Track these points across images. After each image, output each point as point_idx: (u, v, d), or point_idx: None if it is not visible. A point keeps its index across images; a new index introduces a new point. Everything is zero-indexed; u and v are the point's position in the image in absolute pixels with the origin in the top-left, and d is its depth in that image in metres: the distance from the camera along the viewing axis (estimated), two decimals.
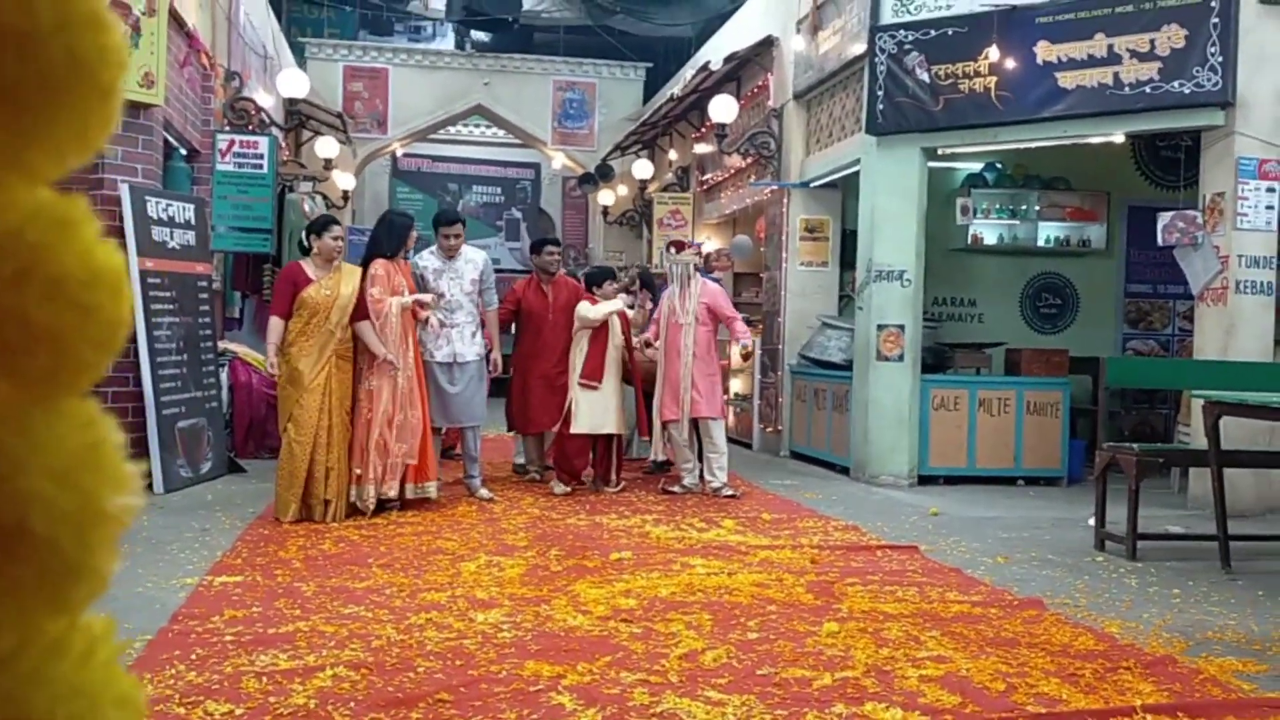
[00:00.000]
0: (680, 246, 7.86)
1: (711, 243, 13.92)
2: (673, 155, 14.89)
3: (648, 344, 7.75)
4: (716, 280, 8.42)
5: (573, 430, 7.30)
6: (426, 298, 6.69)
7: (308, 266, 6.34)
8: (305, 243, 6.44)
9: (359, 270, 6.42)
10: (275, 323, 6.30)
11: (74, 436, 0.66)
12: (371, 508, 6.34)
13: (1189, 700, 3.31)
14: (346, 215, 15.43)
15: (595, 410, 7.30)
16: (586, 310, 7.31)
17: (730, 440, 10.80)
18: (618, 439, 7.62)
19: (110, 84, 0.65)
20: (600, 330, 7.33)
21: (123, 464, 0.68)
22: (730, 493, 7.47)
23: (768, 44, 11.04)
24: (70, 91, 0.64)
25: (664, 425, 7.63)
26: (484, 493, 7.10)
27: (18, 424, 0.65)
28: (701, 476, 7.63)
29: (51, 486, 0.64)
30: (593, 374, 7.26)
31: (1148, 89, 7.42)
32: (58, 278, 0.64)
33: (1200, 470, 7.21)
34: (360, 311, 6.29)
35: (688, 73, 13.71)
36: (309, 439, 6.12)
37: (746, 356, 8.04)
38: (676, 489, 7.57)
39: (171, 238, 7.70)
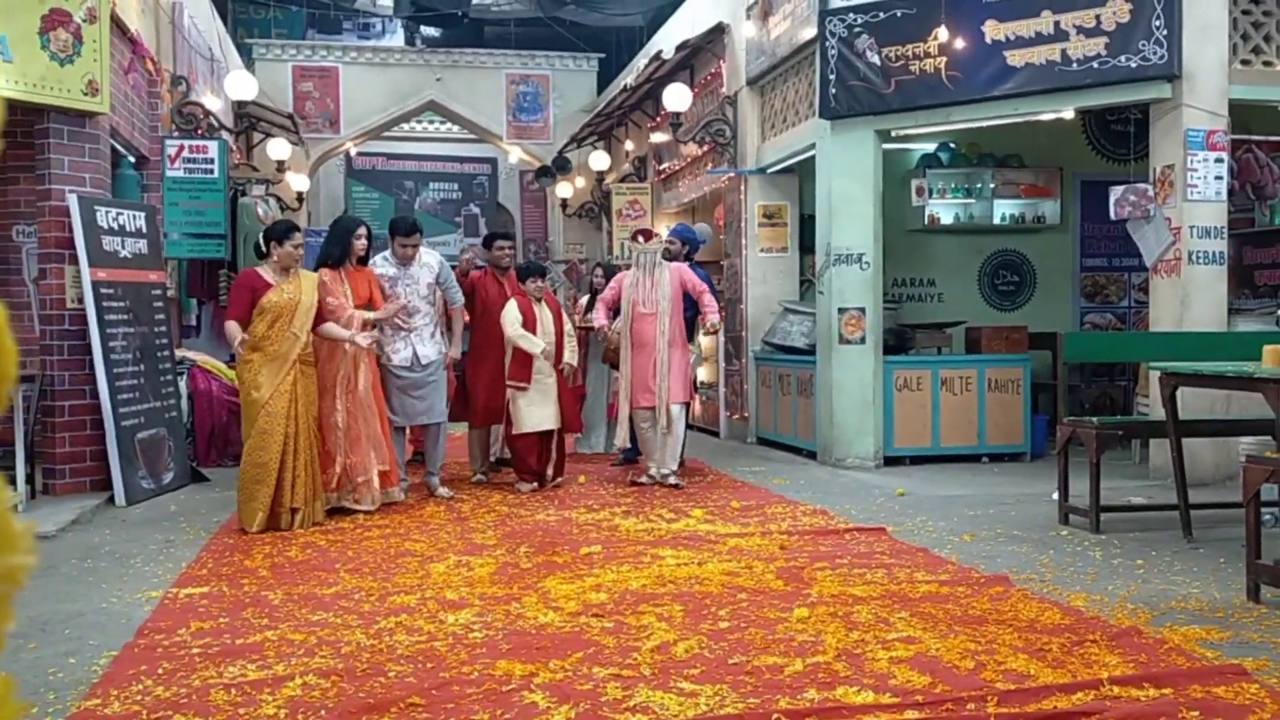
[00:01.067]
0: (648, 235, 7.79)
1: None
2: (629, 145, 14.85)
3: (590, 328, 7.91)
4: (701, 271, 8.31)
5: (515, 431, 7.30)
6: (393, 307, 6.70)
7: (265, 272, 6.21)
8: (263, 248, 6.30)
9: (314, 275, 6.35)
10: (233, 326, 6.16)
11: None
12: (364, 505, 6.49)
13: (1154, 670, 3.36)
14: (302, 217, 15.28)
15: (533, 409, 7.27)
16: (507, 326, 7.24)
17: (697, 428, 10.87)
18: (558, 434, 7.50)
19: None
20: (529, 329, 7.24)
21: (11, 521, 0.65)
22: (676, 482, 7.46)
23: (719, 31, 11.03)
24: None
25: (630, 413, 7.59)
26: (443, 491, 7.09)
27: None
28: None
29: None
30: (518, 375, 7.24)
31: (1095, 64, 7.49)
32: None
33: (1160, 441, 7.32)
34: (320, 317, 6.24)
35: (640, 62, 13.69)
36: (277, 447, 5.99)
37: (713, 332, 7.96)
38: (645, 480, 7.55)
39: (123, 246, 7.58)
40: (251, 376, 6.04)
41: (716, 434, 10.91)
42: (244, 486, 6.04)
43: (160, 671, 3.54)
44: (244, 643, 3.87)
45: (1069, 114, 8.33)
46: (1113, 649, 3.59)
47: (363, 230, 6.76)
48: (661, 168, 13.60)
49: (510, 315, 7.24)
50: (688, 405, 7.72)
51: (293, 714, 3.12)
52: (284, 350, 6.04)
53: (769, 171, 10.26)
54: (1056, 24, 7.62)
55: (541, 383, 7.29)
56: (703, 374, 11.23)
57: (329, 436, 6.38)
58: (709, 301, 7.65)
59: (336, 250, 6.62)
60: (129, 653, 3.77)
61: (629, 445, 8.06)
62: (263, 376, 6.00)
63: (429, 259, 7.16)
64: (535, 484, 7.38)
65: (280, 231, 6.28)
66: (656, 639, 3.78)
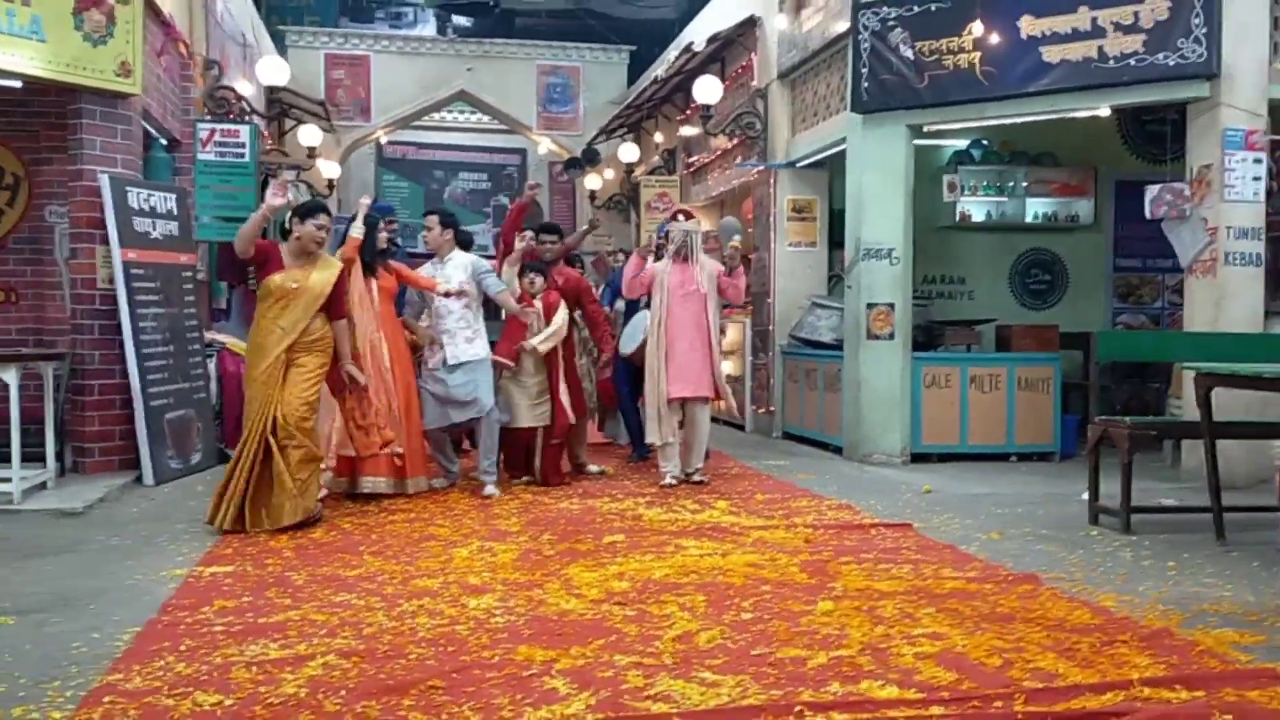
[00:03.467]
0: (688, 215, 7.48)
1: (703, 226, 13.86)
2: (658, 138, 14.81)
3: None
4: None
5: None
6: (452, 287, 6.71)
7: (284, 252, 5.80)
8: (286, 225, 5.92)
9: (338, 265, 5.94)
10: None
11: None
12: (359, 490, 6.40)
13: (1186, 672, 3.30)
14: (333, 204, 15.33)
15: (514, 406, 7.02)
16: (506, 296, 6.87)
17: (723, 422, 10.82)
18: (543, 431, 7.11)
19: None
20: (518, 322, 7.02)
21: None
22: (701, 478, 7.23)
23: (751, 24, 10.96)
24: None
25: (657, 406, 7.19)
26: (490, 490, 6.71)
27: None
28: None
29: None
30: (505, 352, 6.95)
31: (1132, 62, 7.39)
32: None
33: (1193, 443, 7.22)
34: (338, 309, 5.87)
35: (671, 54, 13.63)
36: (253, 438, 5.55)
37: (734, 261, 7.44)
38: (669, 482, 7.11)
39: (154, 228, 7.62)
40: (247, 359, 5.81)
41: (742, 428, 10.86)
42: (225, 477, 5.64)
43: (182, 648, 3.55)
44: (266, 621, 3.87)
45: (1104, 112, 8.22)
46: (1144, 650, 3.53)
47: (382, 223, 6.75)
48: (690, 160, 13.55)
49: (508, 288, 6.94)
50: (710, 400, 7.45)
51: (313, 693, 3.11)
52: (272, 341, 5.62)
53: (799, 165, 10.19)
54: (1094, 20, 7.52)
55: (523, 381, 7.02)
56: (728, 367, 11.17)
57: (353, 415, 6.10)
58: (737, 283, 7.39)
59: (370, 248, 6.47)
60: (152, 629, 3.78)
61: (660, 441, 7.77)
62: (254, 357, 5.67)
63: (462, 258, 6.89)
64: (521, 479, 7.13)
65: (305, 210, 5.89)
66: (679, 628, 3.75)
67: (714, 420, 8.17)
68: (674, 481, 7.13)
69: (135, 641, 3.63)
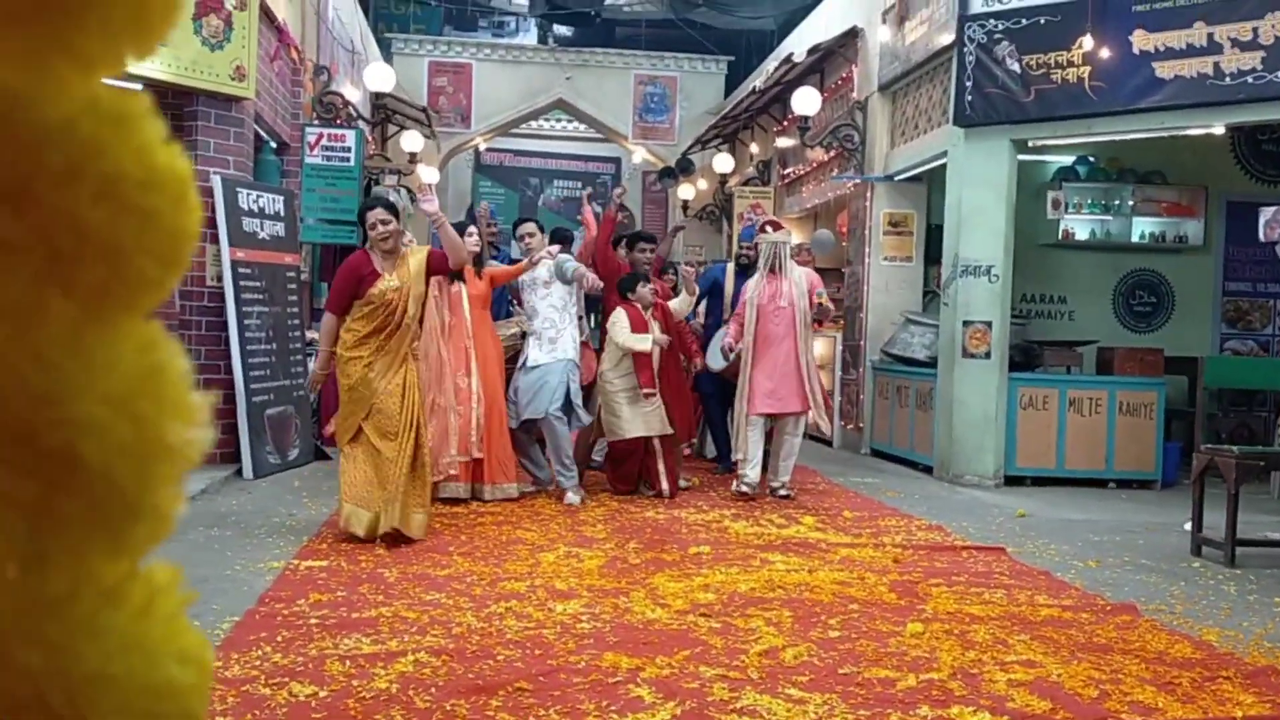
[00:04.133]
0: (776, 225, 7.39)
1: (793, 237, 13.78)
2: (754, 149, 14.77)
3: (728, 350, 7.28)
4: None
5: (610, 438, 7.05)
6: (536, 256, 6.80)
7: (375, 257, 5.42)
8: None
9: (423, 251, 5.59)
10: (328, 321, 5.46)
11: (132, 359, 0.59)
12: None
13: None
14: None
15: (633, 416, 6.93)
16: (623, 337, 6.85)
17: (810, 437, 10.72)
18: (661, 444, 7.00)
19: None
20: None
21: (187, 392, 0.61)
22: (786, 493, 7.12)
23: (852, 35, 10.88)
24: None
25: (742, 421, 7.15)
26: (570, 497, 6.64)
27: (71, 343, 0.58)
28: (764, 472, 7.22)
29: (106, 412, 0.57)
30: (647, 382, 6.89)
31: (1250, 79, 7.15)
32: (112, 176, 0.57)
33: None
34: (441, 267, 5.61)
35: (770, 65, 13.59)
36: (401, 441, 5.29)
37: (821, 318, 7.31)
38: (744, 489, 7.02)
39: (261, 229, 7.85)
40: (360, 372, 5.29)
41: (829, 443, 10.76)
42: (350, 490, 5.31)
43: (279, 639, 3.64)
44: (359, 617, 3.95)
45: (1219, 130, 7.97)
46: (1247, 687, 3.41)
47: (472, 227, 6.80)
48: (786, 172, 13.48)
49: (620, 323, 6.92)
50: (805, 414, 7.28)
51: (404, 689, 3.17)
52: (395, 347, 5.33)
53: (896, 179, 10.07)
54: (1210, 36, 7.30)
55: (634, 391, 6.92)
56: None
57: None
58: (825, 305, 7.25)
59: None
60: (250, 619, 3.89)
61: (726, 455, 7.57)
62: (373, 373, 5.29)
63: (546, 261, 6.88)
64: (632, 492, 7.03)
65: (361, 210, 5.52)
66: (765, 643, 3.73)
67: (807, 437, 8.01)
68: (747, 490, 7.00)
69: (234, 630, 3.74)
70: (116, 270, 0.58)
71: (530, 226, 7.10)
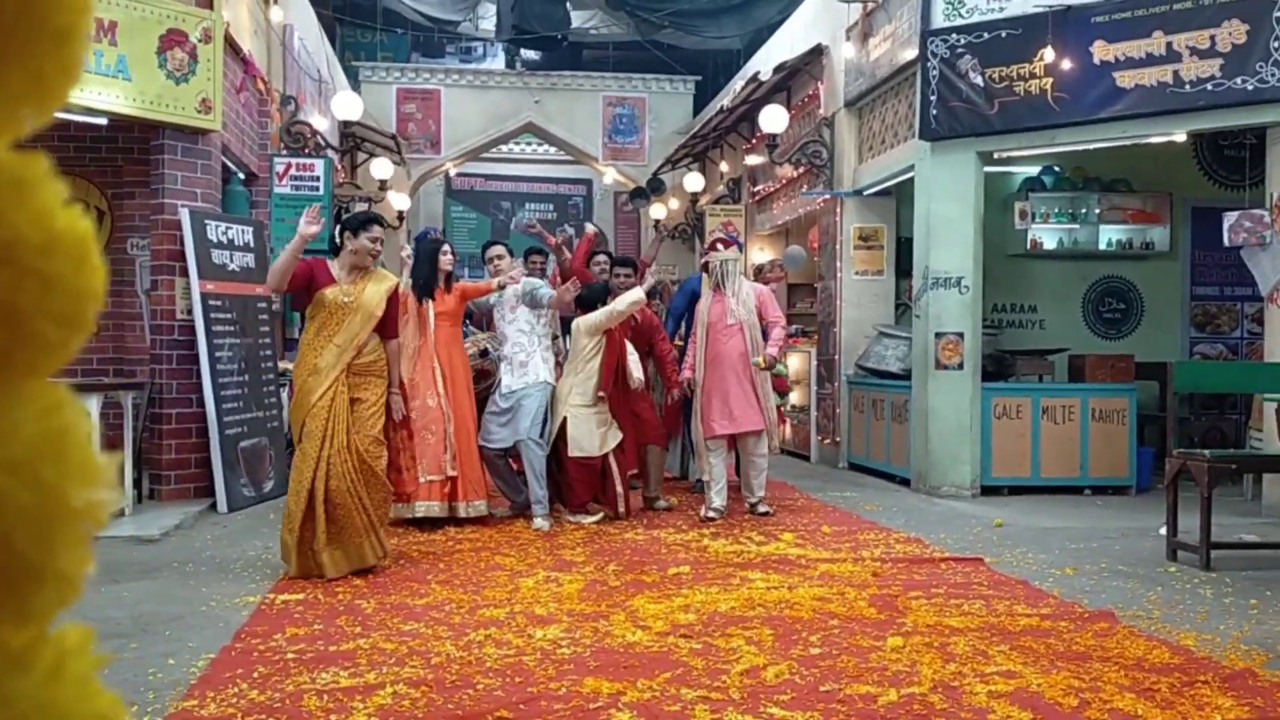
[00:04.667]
0: (726, 244, 7.34)
1: (765, 253, 13.85)
2: (724, 167, 14.85)
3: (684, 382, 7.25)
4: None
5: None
6: (503, 278, 6.76)
7: (333, 266, 5.42)
8: (337, 240, 5.64)
9: (393, 279, 5.59)
10: (271, 276, 5.52)
11: (33, 423, 0.59)
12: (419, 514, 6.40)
13: (1271, 715, 3.19)
14: (402, 235, 15.58)
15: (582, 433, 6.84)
16: (600, 314, 6.81)
17: (787, 452, 10.75)
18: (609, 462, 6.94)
19: (67, 28, 0.59)
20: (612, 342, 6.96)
21: (92, 454, 0.61)
22: (765, 509, 7.11)
23: (817, 53, 10.97)
24: (18, 36, 0.58)
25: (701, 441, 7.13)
26: (538, 523, 6.62)
27: None
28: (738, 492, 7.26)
29: (6, 480, 0.57)
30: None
31: (1209, 86, 7.25)
32: (9, 241, 0.57)
33: (1275, 476, 7.02)
34: (391, 328, 5.50)
35: (737, 84, 13.68)
36: (309, 470, 5.12)
37: (764, 367, 7.05)
38: (712, 514, 6.95)
39: (231, 260, 7.81)
40: (299, 382, 5.29)
41: (807, 458, 10.78)
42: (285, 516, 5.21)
43: (255, 675, 3.60)
44: (337, 649, 3.91)
45: (1180, 137, 8.08)
46: (1226, 691, 3.43)
47: (446, 246, 6.84)
48: (756, 189, 13.55)
49: (593, 314, 6.92)
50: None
51: None
52: (333, 357, 5.23)
53: (865, 194, 10.14)
54: (1169, 45, 7.40)
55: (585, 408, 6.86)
56: (794, 398, 11.12)
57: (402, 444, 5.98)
58: (777, 335, 7.13)
59: (426, 269, 6.61)
60: (226, 656, 3.85)
61: (707, 477, 7.64)
62: (311, 382, 5.21)
63: (514, 287, 6.86)
64: (595, 515, 6.91)
65: (356, 222, 5.46)
66: (746, 662, 3.72)
67: (784, 453, 8.06)
68: (714, 515, 6.95)
69: (210, 668, 3.69)
70: (15, 334, 0.58)
71: (499, 249, 7.13)
